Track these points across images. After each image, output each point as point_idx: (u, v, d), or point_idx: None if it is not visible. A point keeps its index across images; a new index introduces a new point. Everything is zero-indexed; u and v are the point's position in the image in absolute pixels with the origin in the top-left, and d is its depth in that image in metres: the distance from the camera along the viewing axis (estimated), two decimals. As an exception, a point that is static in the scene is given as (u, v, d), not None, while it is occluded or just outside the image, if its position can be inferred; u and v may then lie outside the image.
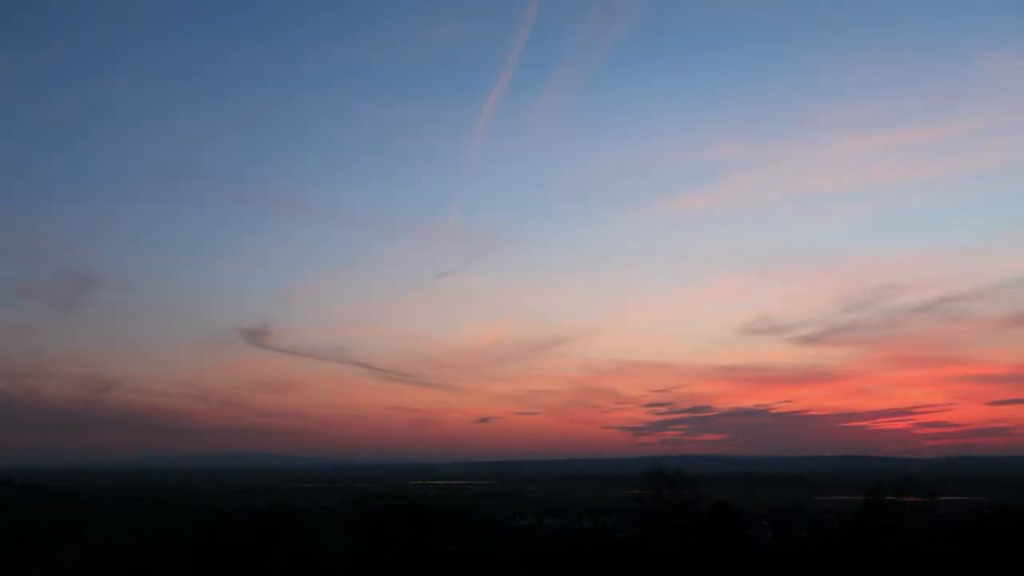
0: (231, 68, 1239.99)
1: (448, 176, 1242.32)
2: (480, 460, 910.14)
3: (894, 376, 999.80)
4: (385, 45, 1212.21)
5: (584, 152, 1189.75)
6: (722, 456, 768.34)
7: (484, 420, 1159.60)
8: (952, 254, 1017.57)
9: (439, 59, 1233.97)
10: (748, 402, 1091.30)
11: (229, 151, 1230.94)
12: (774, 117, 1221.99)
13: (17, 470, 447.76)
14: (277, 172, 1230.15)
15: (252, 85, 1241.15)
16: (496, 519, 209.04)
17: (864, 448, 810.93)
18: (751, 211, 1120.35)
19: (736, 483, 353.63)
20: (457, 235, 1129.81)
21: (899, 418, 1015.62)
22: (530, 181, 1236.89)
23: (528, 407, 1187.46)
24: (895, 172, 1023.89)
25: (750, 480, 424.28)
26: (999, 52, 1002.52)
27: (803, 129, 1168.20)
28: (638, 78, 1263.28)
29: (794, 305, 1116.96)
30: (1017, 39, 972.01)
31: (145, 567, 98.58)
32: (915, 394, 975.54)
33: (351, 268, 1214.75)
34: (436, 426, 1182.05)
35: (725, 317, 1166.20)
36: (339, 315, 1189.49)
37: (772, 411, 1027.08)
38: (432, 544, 76.94)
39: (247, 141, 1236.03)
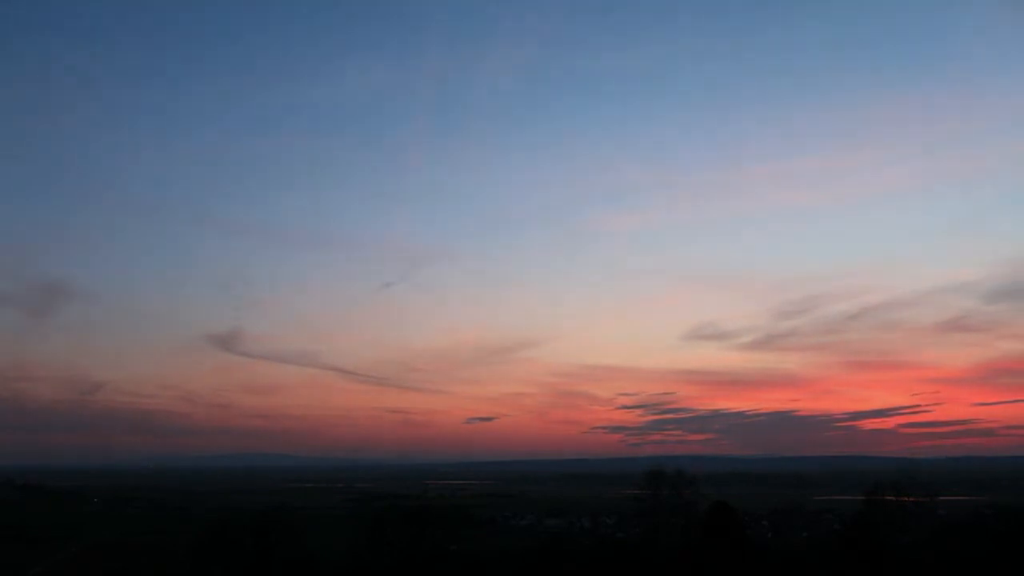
0: (202, 109, 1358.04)
1: (393, 198, 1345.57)
2: (473, 460, 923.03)
3: (852, 379, 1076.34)
4: (334, 87, 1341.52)
5: (515, 175, 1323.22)
6: (710, 456, 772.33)
7: (473, 421, 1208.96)
8: (868, 267, 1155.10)
9: (381, 95, 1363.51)
10: (722, 404, 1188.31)
11: (193, 180, 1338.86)
12: (693, 145, 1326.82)
13: (9, 470, 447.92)
14: (234, 198, 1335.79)
15: (229, 125, 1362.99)
16: (496, 519, 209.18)
17: (854, 448, 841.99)
18: (677, 229, 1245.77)
19: (728, 483, 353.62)
20: (403, 250, 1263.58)
21: (881, 419, 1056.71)
22: (467, 201, 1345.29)
23: (509, 409, 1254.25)
24: (805, 195, 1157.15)
25: (740, 479, 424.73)
26: (904, 88, 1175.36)
27: (720, 156, 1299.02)
28: (560, 107, 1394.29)
29: (729, 314, 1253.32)
30: (919, 76, 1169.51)
31: (145, 567, 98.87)
32: (882, 397, 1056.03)
33: (310, 280, 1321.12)
34: (425, 427, 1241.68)
35: (669, 325, 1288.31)
36: (303, 322, 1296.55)
37: (751, 412, 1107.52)
38: (432, 544, 77.01)
39: (210, 173, 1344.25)
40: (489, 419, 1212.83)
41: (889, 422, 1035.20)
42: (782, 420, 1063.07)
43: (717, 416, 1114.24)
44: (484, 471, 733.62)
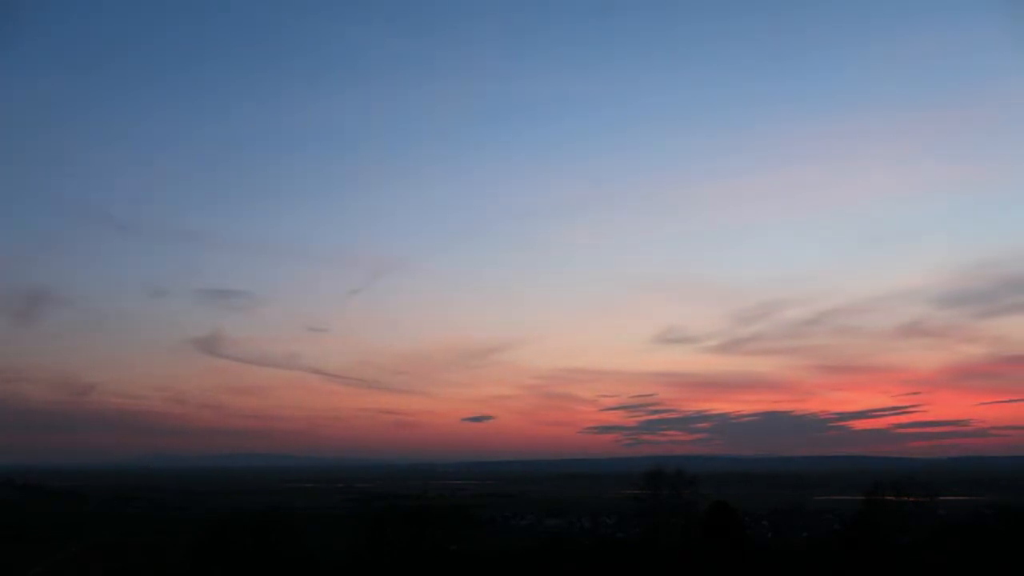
0: (181, 129, 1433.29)
1: (355, 212, 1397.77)
2: (469, 460, 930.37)
3: (829, 382, 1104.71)
4: (301, 111, 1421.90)
5: (475, 189, 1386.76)
6: (706, 456, 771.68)
7: (468, 421, 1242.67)
8: (817, 275, 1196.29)
9: (343, 118, 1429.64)
10: (707, 405, 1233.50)
11: (173, 195, 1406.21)
12: (655, 162, 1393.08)
13: (8, 470, 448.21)
14: (210, 212, 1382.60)
15: (209, 145, 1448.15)
16: (496, 519, 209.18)
17: (847, 448, 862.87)
18: (635, 239, 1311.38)
19: (726, 483, 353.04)
20: (366, 259, 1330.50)
21: (873, 420, 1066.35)
22: (426, 213, 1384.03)
23: (496, 410, 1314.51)
24: (758, 207, 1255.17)
25: (738, 479, 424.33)
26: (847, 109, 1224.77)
27: (681, 172, 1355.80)
28: (524, 125, 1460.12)
29: (691, 319, 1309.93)
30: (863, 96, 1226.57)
31: (145, 567, 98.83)
32: (864, 398, 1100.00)
33: (281, 287, 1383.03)
34: (418, 428, 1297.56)
35: (636, 330, 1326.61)
36: (278, 327, 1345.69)
37: (742, 413, 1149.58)
38: (432, 544, 77.01)
39: (189, 188, 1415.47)
40: (484, 419, 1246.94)
41: (881, 422, 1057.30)
42: (774, 421, 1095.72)
43: (705, 417, 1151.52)
44: (482, 471, 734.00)
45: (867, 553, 67.78)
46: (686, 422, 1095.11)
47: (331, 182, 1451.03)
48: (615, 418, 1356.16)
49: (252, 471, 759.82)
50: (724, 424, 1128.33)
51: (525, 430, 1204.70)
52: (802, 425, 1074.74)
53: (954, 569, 65.45)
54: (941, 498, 79.35)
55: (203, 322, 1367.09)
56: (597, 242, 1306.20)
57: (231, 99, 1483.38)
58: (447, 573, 73.28)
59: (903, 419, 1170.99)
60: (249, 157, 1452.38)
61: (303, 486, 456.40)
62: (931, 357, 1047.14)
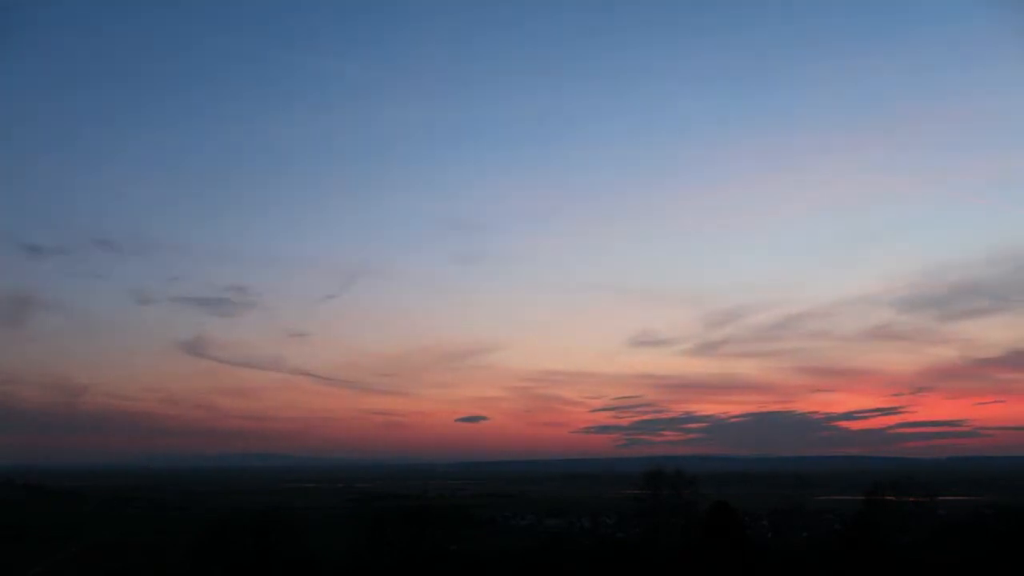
0: (166, 144, 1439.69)
1: (329, 220, 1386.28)
2: (465, 461, 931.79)
3: (810, 383, 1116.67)
4: (276, 126, 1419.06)
5: (447, 195, 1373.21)
6: (703, 456, 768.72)
7: (464, 421, 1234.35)
8: (780, 281, 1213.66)
9: (315, 133, 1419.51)
10: (695, 407, 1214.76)
11: (146, 208, 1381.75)
12: (628, 174, 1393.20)
13: (8, 471, 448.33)
14: (191, 222, 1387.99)
15: (196, 160, 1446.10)
16: (496, 519, 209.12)
17: (841, 448, 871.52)
18: (605, 245, 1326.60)
19: (726, 483, 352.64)
20: (340, 265, 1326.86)
21: (865, 421, 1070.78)
22: (400, 220, 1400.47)
23: (487, 411, 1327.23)
24: (724, 217, 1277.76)
25: (738, 479, 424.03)
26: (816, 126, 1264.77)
27: (644, 183, 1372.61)
28: (489, 129, 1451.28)
29: (662, 323, 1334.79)
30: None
31: (145, 567, 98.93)
32: (852, 400, 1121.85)
33: (262, 292, 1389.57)
34: (413, 429, 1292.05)
35: (612, 333, 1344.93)
36: (262, 330, 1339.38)
37: (735, 414, 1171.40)
38: (432, 544, 77.02)
39: (174, 204, 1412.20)
40: (478, 419, 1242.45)
41: (875, 423, 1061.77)
42: (768, 421, 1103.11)
43: (695, 418, 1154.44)
44: (480, 471, 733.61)
45: (867, 553, 67.80)
46: (675, 423, 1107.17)
47: (307, 192, 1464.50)
48: (608, 419, 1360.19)
49: (251, 471, 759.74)
50: (719, 425, 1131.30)
51: (520, 431, 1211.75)
52: (797, 426, 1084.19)
53: (954, 569, 65.46)
54: (941, 498, 79.42)
55: (188, 327, 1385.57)
56: (568, 247, 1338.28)
57: (213, 119, 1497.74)
58: (447, 573, 73.30)
59: (896, 419, 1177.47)
60: (231, 174, 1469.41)
61: (303, 486, 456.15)
62: (907, 359, 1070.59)
